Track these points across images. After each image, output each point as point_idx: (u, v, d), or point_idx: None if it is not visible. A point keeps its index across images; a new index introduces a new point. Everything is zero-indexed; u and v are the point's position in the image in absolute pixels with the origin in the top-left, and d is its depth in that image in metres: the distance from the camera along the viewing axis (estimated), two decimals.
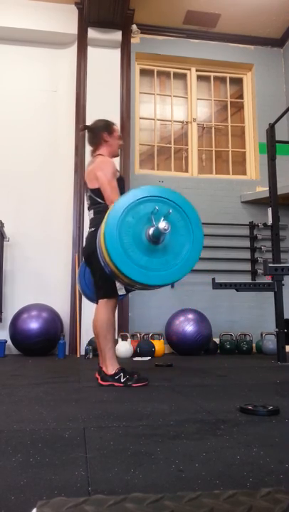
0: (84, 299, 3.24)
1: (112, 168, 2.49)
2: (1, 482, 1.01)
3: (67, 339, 4.49)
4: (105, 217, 2.04)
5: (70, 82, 5.09)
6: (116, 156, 2.70)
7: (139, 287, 2.25)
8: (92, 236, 2.46)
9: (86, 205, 2.69)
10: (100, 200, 2.49)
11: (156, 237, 2.02)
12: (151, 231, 2.03)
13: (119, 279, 2.20)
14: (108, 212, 2.05)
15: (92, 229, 2.52)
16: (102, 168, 2.47)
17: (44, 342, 4.19)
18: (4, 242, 4.65)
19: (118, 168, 4.75)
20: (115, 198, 2.37)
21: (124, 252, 1.96)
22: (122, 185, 2.58)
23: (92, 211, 2.57)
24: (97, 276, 2.46)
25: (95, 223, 2.50)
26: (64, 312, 4.58)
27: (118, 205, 2.04)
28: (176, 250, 2.06)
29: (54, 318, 4.35)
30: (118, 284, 2.36)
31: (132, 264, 1.96)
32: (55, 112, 5.11)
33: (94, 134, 2.63)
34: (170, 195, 2.10)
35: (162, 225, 1.98)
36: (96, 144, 2.62)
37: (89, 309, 3.73)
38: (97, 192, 2.49)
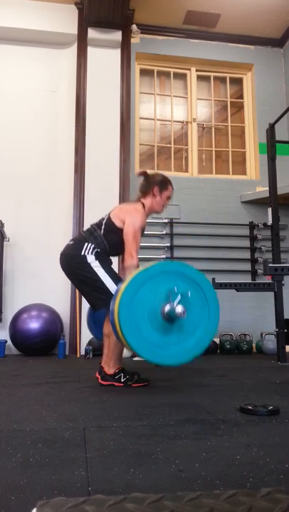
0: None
1: (142, 221, 2.51)
2: (1, 482, 1.01)
3: (67, 339, 4.49)
4: (122, 287, 1.97)
5: (70, 82, 5.09)
6: (157, 212, 2.71)
7: None
8: (70, 249, 2.51)
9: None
10: (102, 230, 2.50)
11: (171, 317, 1.94)
12: (166, 309, 1.94)
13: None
14: (125, 283, 1.98)
15: (71, 242, 2.56)
16: (134, 216, 2.48)
17: (44, 342, 4.19)
18: (4, 242, 4.65)
19: (120, 174, 4.79)
20: (134, 251, 2.41)
21: (136, 328, 1.88)
22: (141, 234, 2.60)
23: (88, 227, 2.60)
24: (89, 286, 2.46)
25: (77, 239, 2.55)
26: (64, 312, 4.58)
27: (137, 278, 1.96)
28: (190, 330, 1.97)
29: (54, 318, 4.35)
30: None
31: (143, 341, 1.89)
32: (55, 112, 5.11)
33: (147, 183, 2.64)
34: (190, 272, 2.02)
35: (179, 309, 1.89)
36: (145, 192, 2.64)
37: None
38: (110, 226, 2.50)
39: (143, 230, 2.59)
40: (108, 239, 2.49)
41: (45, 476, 1.04)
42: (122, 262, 2.62)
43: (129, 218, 2.47)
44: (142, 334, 1.88)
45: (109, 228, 2.50)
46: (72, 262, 2.46)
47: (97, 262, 2.41)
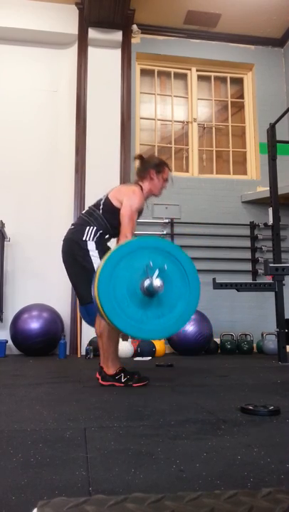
0: None
1: (140, 203, 2.50)
2: (1, 482, 1.01)
3: (67, 339, 4.49)
4: (98, 269, 1.98)
5: (71, 83, 5.09)
6: (155, 195, 2.70)
7: None
8: (72, 233, 2.50)
9: (89, 203, 2.72)
10: (101, 210, 2.50)
11: (151, 292, 1.95)
12: (146, 284, 1.95)
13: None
14: (101, 264, 1.99)
15: (72, 227, 2.56)
16: (131, 198, 2.48)
17: (45, 342, 4.19)
18: (5, 242, 4.65)
19: (121, 174, 4.79)
20: (129, 233, 2.40)
21: (118, 307, 1.90)
22: (138, 216, 2.60)
23: (86, 209, 2.60)
24: (83, 276, 2.44)
25: (78, 223, 2.54)
26: (64, 312, 4.58)
27: (111, 257, 1.97)
28: (171, 303, 1.97)
29: (55, 318, 4.36)
30: None
31: (127, 319, 1.89)
32: (55, 112, 5.11)
33: (144, 167, 2.64)
34: (166, 246, 2.03)
35: (157, 283, 1.90)
36: (142, 176, 2.64)
37: None
38: (108, 206, 2.50)
39: (140, 213, 2.58)
40: (107, 218, 2.49)
41: (45, 476, 1.04)
42: (117, 242, 2.63)
43: (127, 200, 2.46)
44: (124, 312, 1.90)
45: (107, 208, 2.50)
46: (73, 247, 2.46)
47: (96, 251, 2.42)
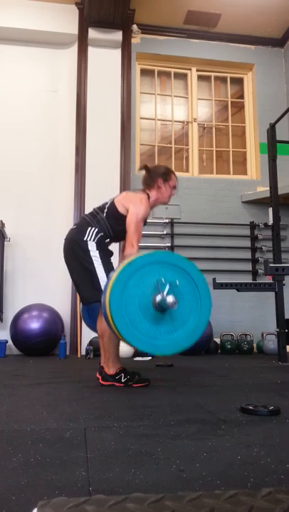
0: None
1: (146, 211, 2.50)
2: (1, 482, 1.01)
3: (68, 339, 4.49)
4: (109, 286, 1.96)
5: (71, 83, 5.09)
6: (164, 203, 2.71)
7: None
8: (73, 233, 2.50)
9: (89, 203, 2.72)
10: (105, 214, 2.50)
11: (163, 307, 1.93)
12: (158, 299, 1.94)
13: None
14: (111, 281, 1.96)
15: (74, 227, 2.56)
16: (137, 205, 2.47)
17: (45, 342, 4.20)
18: (5, 242, 4.65)
19: (121, 174, 4.79)
20: (134, 241, 2.40)
21: (130, 323, 1.89)
22: (144, 224, 2.61)
23: (90, 211, 2.60)
24: (84, 276, 2.45)
25: (80, 223, 2.55)
26: (65, 312, 4.58)
27: (122, 274, 1.95)
28: (183, 317, 1.95)
29: (55, 318, 4.36)
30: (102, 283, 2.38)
31: (139, 335, 1.89)
32: (55, 112, 5.11)
33: (150, 176, 2.64)
34: (176, 261, 2.01)
35: (170, 299, 1.89)
36: (149, 186, 2.63)
37: None
38: (112, 211, 2.49)
39: (146, 219, 2.58)
40: (110, 223, 2.49)
41: (45, 476, 1.04)
42: (122, 251, 2.63)
43: (133, 208, 2.46)
44: (136, 327, 1.89)
45: (111, 213, 2.50)
46: (74, 247, 2.46)
47: (97, 252, 2.41)
